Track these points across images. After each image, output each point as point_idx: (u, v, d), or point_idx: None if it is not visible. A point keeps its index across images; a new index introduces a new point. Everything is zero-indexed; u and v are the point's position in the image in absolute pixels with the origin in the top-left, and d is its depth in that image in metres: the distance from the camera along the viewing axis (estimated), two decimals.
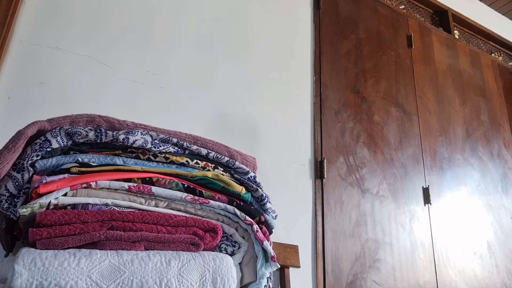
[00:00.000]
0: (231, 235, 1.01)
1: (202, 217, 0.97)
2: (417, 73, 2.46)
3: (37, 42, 1.42)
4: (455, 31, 3.08)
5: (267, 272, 0.97)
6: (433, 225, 2.08)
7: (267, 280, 0.98)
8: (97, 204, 0.86)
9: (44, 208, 0.81)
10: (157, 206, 0.93)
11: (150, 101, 1.55)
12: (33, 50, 1.41)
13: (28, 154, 0.85)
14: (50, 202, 0.82)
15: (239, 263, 0.98)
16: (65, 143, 0.89)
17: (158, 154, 0.98)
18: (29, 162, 0.85)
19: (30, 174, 0.85)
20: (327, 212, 1.76)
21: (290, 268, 1.53)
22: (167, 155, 0.98)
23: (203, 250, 0.92)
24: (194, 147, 1.01)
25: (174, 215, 0.92)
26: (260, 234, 0.98)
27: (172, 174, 0.97)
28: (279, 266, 1.17)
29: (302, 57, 2.04)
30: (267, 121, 1.79)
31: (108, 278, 0.75)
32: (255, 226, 0.99)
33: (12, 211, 0.84)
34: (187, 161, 1.00)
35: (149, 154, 0.97)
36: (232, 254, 0.98)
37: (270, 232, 1.06)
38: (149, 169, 0.95)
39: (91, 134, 0.91)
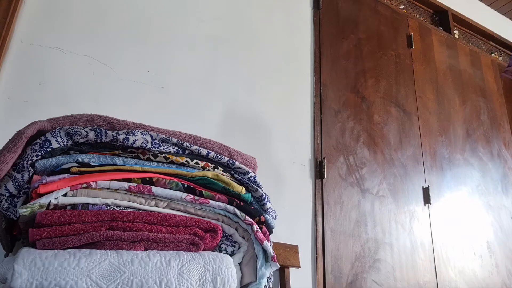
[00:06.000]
0: (231, 235, 1.01)
1: (202, 217, 0.97)
2: (417, 73, 2.46)
3: (37, 42, 1.42)
4: (455, 31, 3.08)
5: (267, 272, 0.97)
6: (433, 225, 2.08)
7: (267, 280, 0.98)
8: (97, 204, 0.86)
9: (44, 208, 0.81)
10: (157, 206, 0.93)
11: (150, 101, 1.55)
12: (33, 50, 1.41)
13: (28, 154, 0.85)
14: (50, 202, 0.82)
15: (239, 263, 0.98)
16: (65, 143, 0.89)
17: (158, 154, 0.98)
18: (29, 162, 0.85)
19: (30, 174, 0.85)
20: (327, 212, 1.76)
21: (290, 268, 1.53)
22: (167, 155, 0.98)
23: (203, 250, 0.92)
24: (194, 147, 1.01)
25: (174, 215, 0.92)
26: (260, 234, 0.98)
27: (172, 174, 0.97)
28: (279, 266, 1.17)
29: (302, 57, 2.04)
30: (267, 121, 1.79)
31: (108, 278, 0.75)
32: (255, 226, 0.99)
33: (12, 211, 0.84)
34: (187, 161, 1.00)
35: (149, 154, 0.97)
36: (232, 254, 0.98)
37: (270, 232, 1.06)
38: (149, 169, 0.95)
39: (91, 134, 0.91)
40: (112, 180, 0.89)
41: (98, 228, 0.81)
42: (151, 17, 1.68)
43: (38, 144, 0.86)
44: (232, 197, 1.01)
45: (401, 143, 2.18)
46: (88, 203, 0.86)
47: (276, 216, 1.12)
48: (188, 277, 0.83)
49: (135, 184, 0.91)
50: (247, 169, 1.06)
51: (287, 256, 1.53)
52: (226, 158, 1.04)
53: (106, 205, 0.87)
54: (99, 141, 0.92)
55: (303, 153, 1.83)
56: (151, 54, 1.62)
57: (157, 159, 0.98)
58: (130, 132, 0.93)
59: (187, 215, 0.94)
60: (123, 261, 0.79)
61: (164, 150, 0.98)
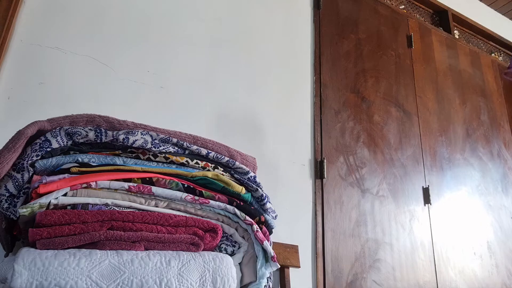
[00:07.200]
0: (231, 235, 1.01)
1: (202, 217, 0.97)
2: (417, 73, 2.46)
3: (37, 42, 1.42)
4: (455, 31, 3.08)
5: (267, 272, 0.97)
6: (433, 225, 2.08)
7: (267, 280, 0.98)
8: (97, 204, 0.86)
9: (44, 208, 0.81)
10: (157, 206, 0.93)
11: (150, 101, 1.55)
12: (33, 50, 1.41)
13: (28, 154, 0.85)
14: (50, 202, 0.82)
15: (239, 263, 0.98)
16: (65, 143, 0.89)
17: (158, 154, 0.98)
18: (29, 162, 0.85)
19: (30, 174, 0.85)
20: (327, 212, 1.76)
21: (290, 268, 1.53)
22: (167, 155, 0.98)
23: (203, 250, 0.92)
24: (194, 147, 1.01)
25: (174, 215, 0.92)
26: (260, 234, 0.98)
27: (172, 174, 0.97)
28: (279, 266, 1.17)
29: (302, 57, 2.04)
30: (267, 121, 1.79)
31: (108, 278, 0.75)
32: (255, 226, 0.99)
33: (12, 211, 0.84)
34: (187, 161, 1.00)
35: (149, 154, 0.97)
36: (232, 254, 0.98)
37: (270, 232, 1.06)
38: (149, 169, 0.95)
39: (91, 134, 0.91)
40: (112, 180, 0.89)
41: (98, 228, 0.81)
42: (151, 17, 1.68)
43: (38, 144, 0.86)
44: (232, 197, 1.01)
45: (401, 143, 2.18)
46: (88, 203, 0.86)
47: (276, 216, 1.12)
48: (188, 277, 0.83)
49: (135, 184, 0.91)
50: (247, 169, 1.06)
51: (287, 256, 1.53)
52: (226, 158, 1.04)
53: (106, 205, 0.87)
54: (99, 141, 0.92)
55: (303, 153, 1.83)
56: (151, 54, 1.62)
57: (157, 159, 0.98)
58: (130, 132, 0.93)
59: (187, 215, 0.94)
60: (123, 261, 0.79)
61: (164, 150, 0.98)
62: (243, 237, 1.01)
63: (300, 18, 2.13)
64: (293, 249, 1.57)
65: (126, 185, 0.90)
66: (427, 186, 2.15)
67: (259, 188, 1.05)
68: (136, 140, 0.93)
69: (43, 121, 0.88)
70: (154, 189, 0.92)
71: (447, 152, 2.36)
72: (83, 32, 1.51)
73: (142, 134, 0.94)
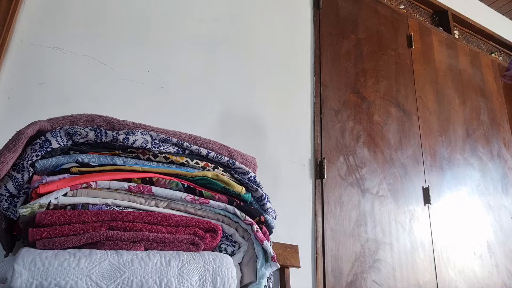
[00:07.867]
0: (231, 235, 1.01)
1: (202, 217, 0.97)
2: (417, 73, 2.46)
3: (37, 42, 1.42)
4: (455, 31, 3.08)
5: (267, 272, 0.97)
6: (433, 225, 2.08)
7: (267, 280, 0.98)
8: (97, 204, 0.86)
9: (44, 208, 0.81)
10: (157, 206, 0.93)
11: (150, 101, 1.55)
12: (33, 50, 1.41)
13: (28, 154, 0.85)
14: (50, 202, 0.82)
15: (239, 263, 0.98)
16: (65, 143, 0.89)
17: (158, 154, 0.98)
18: (29, 162, 0.85)
19: (30, 174, 0.85)
20: (327, 212, 1.76)
21: (290, 268, 1.53)
22: (167, 155, 0.98)
23: (203, 250, 0.92)
24: (194, 147, 1.01)
25: (174, 215, 0.92)
26: (260, 234, 0.98)
27: (172, 174, 0.97)
28: (279, 266, 1.17)
29: (302, 57, 2.04)
30: (267, 121, 1.79)
31: (108, 278, 0.75)
32: (255, 226, 0.99)
33: (12, 211, 0.84)
34: (187, 161, 1.00)
35: (149, 154, 0.97)
36: (232, 254, 0.98)
37: (270, 232, 1.06)
38: (149, 169, 0.95)
39: (91, 134, 0.91)
40: (112, 180, 0.89)
41: (98, 228, 0.81)
42: (151, 17, 1.68)
43: (38, 144, 0.86)
44: (232, 197, 1.01)
45: (401, 143, 2.18)
46: (88, 203, 0.86)
47: (276, 216, 1.12)
48: (188, 277, 0.83)
49: (135, 184, 0.91)
50: (247, 169, 1.06)
51: (287, 256, 1.53)
52: (226, 158, 1.04)
53: (106, 205, 0.87)
54: (99, 141, 0.92)
55: (303, 153, 1.83)
56: (151, 54, 1.62)
57: (157, 159, 0.98)
58: (130, 132, 0.93)
59: (187, 215, 0.94)
60: (123, 261, 0.79)
61: (164, 150, 0.98)
62: (243, 237, 1.01)
63: (300, 18, 2.13)
64: (293, 249, 1.57)
65: (126, 185, 0.90)
66: (427, 186, 2.15)
67: (259, 188, 1.05)
68: (136, 140, 0.93)
69: (43, 121, 0.88)
70: (154, 189, 0.92)
71: (447, 152, 2.36)
72: (83, 32, 1.51)
73: (142, 134, 0.94)
